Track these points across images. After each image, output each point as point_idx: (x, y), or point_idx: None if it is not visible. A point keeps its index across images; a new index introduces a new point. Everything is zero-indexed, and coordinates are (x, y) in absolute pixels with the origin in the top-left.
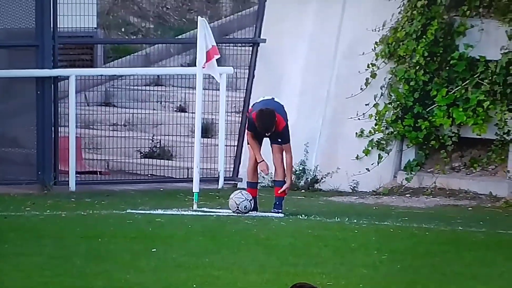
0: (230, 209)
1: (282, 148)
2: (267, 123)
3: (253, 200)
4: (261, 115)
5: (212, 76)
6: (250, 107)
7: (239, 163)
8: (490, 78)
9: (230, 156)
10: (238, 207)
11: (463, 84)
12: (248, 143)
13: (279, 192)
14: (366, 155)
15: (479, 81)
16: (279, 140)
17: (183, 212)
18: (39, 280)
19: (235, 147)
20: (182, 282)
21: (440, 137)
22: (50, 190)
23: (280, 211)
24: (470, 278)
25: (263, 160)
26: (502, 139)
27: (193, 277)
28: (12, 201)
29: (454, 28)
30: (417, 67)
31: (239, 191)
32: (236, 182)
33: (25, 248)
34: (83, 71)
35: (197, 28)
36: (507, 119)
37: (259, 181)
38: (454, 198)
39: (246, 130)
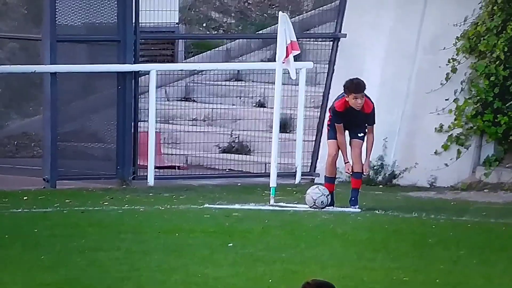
0: (307, 204)
1: (361, 143)
2: (362, 83)
3: (330, 195)
4: (355, 80)
5: (296, 71)
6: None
7: (317, 158)
8: None
9: (307, 151)
10: (315, 202)
11: None
12: (328, 139)
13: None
14: (445, 150)
15: None
16: (366, 124)
17: (260, 207)
18: (116, 275)
19: (313, 142)
20: (259, 277)
21: None
22: (129, 184)
23: (357, 206)
24: None
25: (349, 162)
26: None
27: (271, 271)
28: (90, 195)
29: None
30: (497, 62)
31: (316, 186)
32: (313, 177)
33: (103, 243)
34: (163, 66)
35: (278, 23)
36: None
37: (337, 176)
38: None
39: (328, 127)
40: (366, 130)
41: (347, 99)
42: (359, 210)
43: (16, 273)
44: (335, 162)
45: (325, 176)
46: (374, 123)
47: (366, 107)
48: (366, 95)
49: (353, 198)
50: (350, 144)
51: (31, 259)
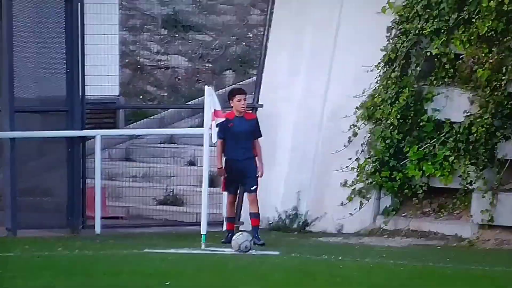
0: (233, 248)
1: (255, 196)
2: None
3: (253, 241)
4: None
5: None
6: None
7: (240, 208)
8: (454, 137)
9: None
10: (240, 247)
11: (431, 142)
12: (228, 193)
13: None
14: (349, 201)
15: (445, 139)
16: (254, 139)
17: (193, 251)
18: None
19: (237, 195)
20: None
21: (412, 187)
22: (78, 233)
23: (262, 241)
24: None
25: (222, 167)
26: (466, 188)
27: None
28: (45, 243)
29: (423, 95)
30: (392, 128)
31: (240, 233)
32: (238, 225)
33: (56, 284)
34: (107, 132)
35: (204, 95)
36: (469, 171)
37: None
38: (425, 239)
39: (224, 181)
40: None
41: (232, 105)
42: (278, 252)
43: None
44: (233, 203)
45: (226, 216)
46: (261, 136)
47: (249, 115)
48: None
49: (256, 235)
50: (247, 197)
51: None
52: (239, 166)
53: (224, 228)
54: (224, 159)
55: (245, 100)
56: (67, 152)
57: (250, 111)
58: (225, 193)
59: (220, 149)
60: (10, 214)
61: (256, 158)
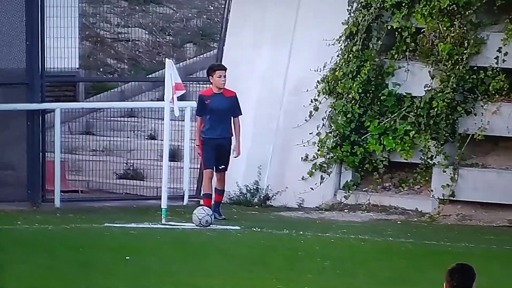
0: (193, 223)
1: (224, 175)
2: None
3: (213, 215)
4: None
5: (180, 109)
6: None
7: (201, 183)
8: (415, 111)
9: (193, 177)
10: (200, 221)
11: (392, 116)
12: (205, 169)
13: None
14: (310, 176)
15: (406, 114)
16: (232, 117)
17: (153, 226)
18: (27, 285)
19: (198, 169)
20: (151, 287)
21: (373, 161)
22: (38, 207)
23: (223, 216)
24: (401, 282)
25: (200, 145)
26: (426, 163)
27: (162, 282)
28: (5, 216)
29: (384, 69)
30: (353, 102)
31: (201, 207)
32: (199, 200)
33: (17, 258)
34: (67, 105)
35: (165, 68)
36: (430, 146)
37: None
38: (385, 213)
39: (201, 158)
40: (233, 126)
41: (211, 81)
42: (238, 227)
43: None
44: (210, 180)
45: (203, 193)
46: (241, 114)
47: (228, 92)
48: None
49: (218, 210)
50: (215, 174)
51: None
52: (216, 144)
53: (185, 202)
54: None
55: (225, 76)
56: (26, 126)
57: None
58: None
59: (199, 127)
60: None
61: (234, 137)
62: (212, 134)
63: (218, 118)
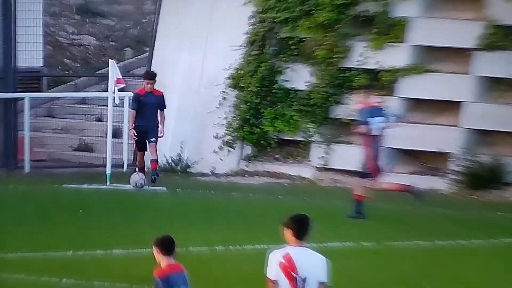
0: (131, 185)
1: (155, 145)
2: (153, 73)
3: (144, 179)
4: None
5: (121, 98)
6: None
7: (137, 159)
8: (298, 101)
9: (131, 150)
10: (136, 184)
11: (281, 105)
12: (138, 151)
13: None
14: (220, 150)
15: (291, 103)
16: (159, 110)
17: (100, 187)
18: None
19: (134, 145)
20: (97, 236)
21: (267, 139)
22: (12, 171)
23: (156, 180)
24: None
25: (133, 130)
26: (307, 140)
27: (107, 230)
28: None
29: (276, 69)
30: (252, 94)
31: (136, 173)
32: (135, 168)
33: None
34: (34, 95)
35: (109, 67)
36: (309, 127)
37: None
38: (276, 178)
39: (135, 145)
40: (159, 122)
41: (144, 87)
42: (165, 188)
43: None
44: (142, 156)
45: (138, 166)
46: (165, 108)
47: (157, 92)
48: (156, 89)
49: (153, 176)
50: (148, 147)
51: None
52: (145, 130)
53: (125, 169)
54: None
55: (151, 84)
56: (2, 111)
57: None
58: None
59: (132, 118)
60: None
61: (159, 124)
62: (143, 123)
63: (148, 111)
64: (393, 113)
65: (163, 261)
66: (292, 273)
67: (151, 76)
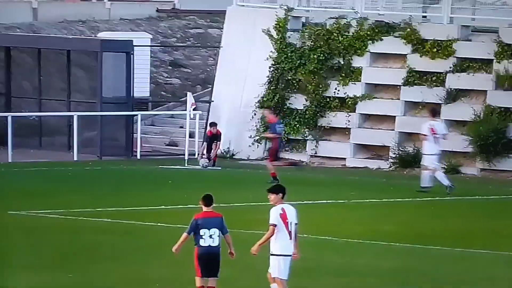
0: (200, 165)
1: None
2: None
3: (208, 162)
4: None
5: (194, 114)
6: None
7: None
8: (298, 116)
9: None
10: (202, 165)
11: (289, 118)
12: None
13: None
14: (252, 144)
15: (294, 117)
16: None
17: (181, 167)
18: None
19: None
20: (179, 196)
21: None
22: (130, 158)
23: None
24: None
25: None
26: (304, 138)
27: (184, 194)
28: None
29: (284, 97)
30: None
31: (203, 158)
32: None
33: None
34: (143, 113)
35: (187, 96)
36: (305, 131)
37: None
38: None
39: None
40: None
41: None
42: (220, 168)
43: None
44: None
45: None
46: (220, 141)
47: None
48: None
49: (214, 162)
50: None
51: None
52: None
53: (196, 156)
54: None
55: (214, 128)
56: (125, 122)
57: None
58: None
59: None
60: None
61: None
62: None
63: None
64: None
65: (203, 209)
66: (287, 220)
67: (213, 125)
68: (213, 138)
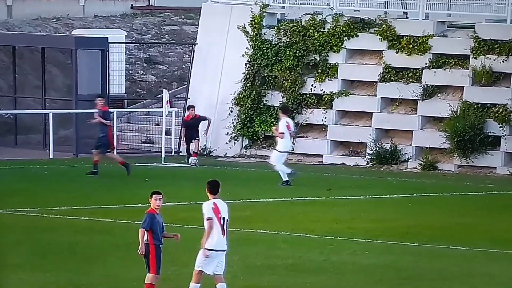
0: (189, 163)
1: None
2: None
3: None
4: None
5: (169, 111)
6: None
7: None
8: (275, 113)
9: (176, 143)
10: (191, 163)
11: (265, 115)
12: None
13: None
14: (229, 142)
15: (271, 114)
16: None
17: (157, 165)
18: None
19: (183, 140)
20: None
21: (258, 135)
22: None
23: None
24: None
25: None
26: None
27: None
28: None
29: (261, 94)
30: (247, 108)
31: (192, 157)
32: (185, 155)
33: None
34: (119, 110)
35: (163, 93)
36: None
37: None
38: (263, 159)
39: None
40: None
41: (190, 114)
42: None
43: None
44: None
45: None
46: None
47: (197, 116)
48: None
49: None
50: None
51: None
52: (190, 137)
53: (173, 154)
54: None
55: (193, 110)
56: None
57: None
58: None
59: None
60: None
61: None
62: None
63: (193, 128)
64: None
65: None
66: (219, 214)
67: (191, 107)
68: (192, 123)
